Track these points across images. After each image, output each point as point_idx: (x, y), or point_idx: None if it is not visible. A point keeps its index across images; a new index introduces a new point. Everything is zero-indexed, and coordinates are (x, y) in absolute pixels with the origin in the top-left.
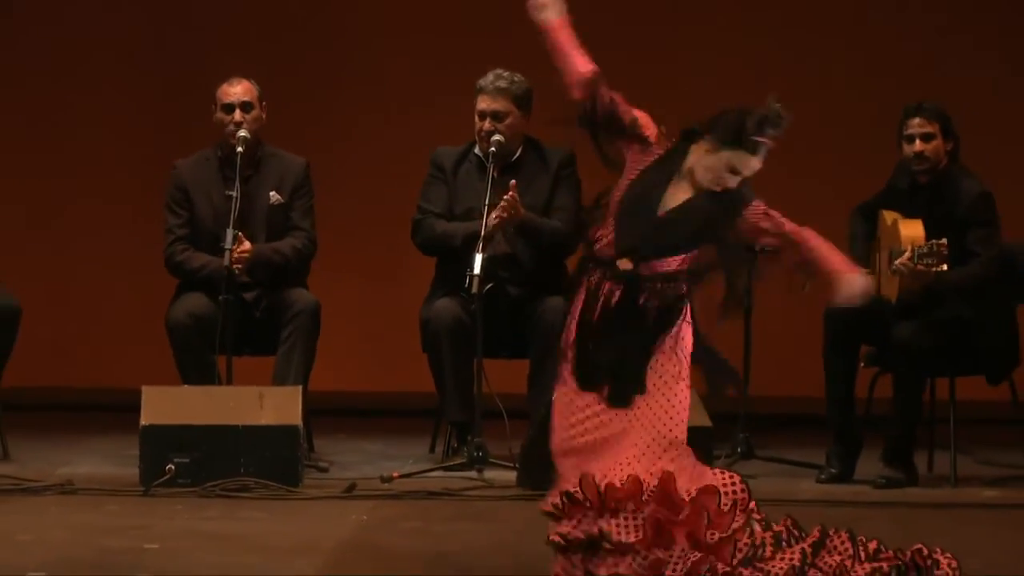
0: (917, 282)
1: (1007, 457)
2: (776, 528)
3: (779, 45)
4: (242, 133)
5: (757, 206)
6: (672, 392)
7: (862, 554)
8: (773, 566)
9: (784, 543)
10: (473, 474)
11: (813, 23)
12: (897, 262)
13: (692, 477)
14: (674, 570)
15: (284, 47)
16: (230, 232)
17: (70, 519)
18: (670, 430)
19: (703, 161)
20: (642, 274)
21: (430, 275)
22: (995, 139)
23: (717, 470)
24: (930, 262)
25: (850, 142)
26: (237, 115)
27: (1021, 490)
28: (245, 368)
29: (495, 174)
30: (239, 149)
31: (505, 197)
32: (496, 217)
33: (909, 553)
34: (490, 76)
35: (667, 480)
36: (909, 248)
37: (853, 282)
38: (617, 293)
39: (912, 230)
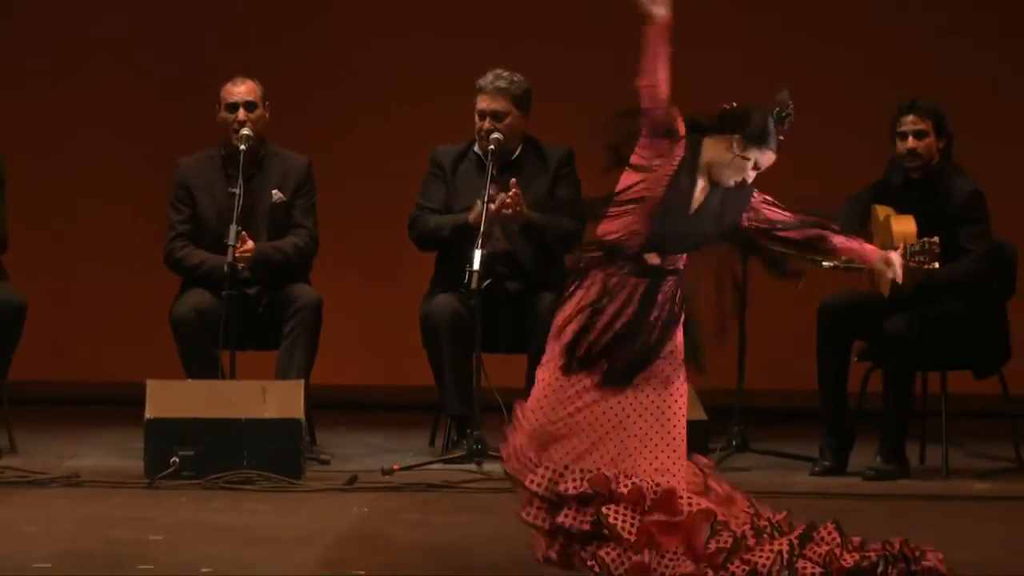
0: (908, 279)
1: (998, 450)
2: (760, 522)
3: (779, 45)
4: (245, 132)
5: (758, 195)
6: (671, 388)
7: (849, 545)
8: (760, 557)
9: (767, 535)
10: (472, 467)
11: (813, 23)
12: None
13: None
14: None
15: (284, 47)
16: (233, 228)
17: (76, 511)
18: (674, 426)
19: (725, 159)
20: (666, 268)
21: (430, 272)
22: (995, 139)
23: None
24: (922, 259)
25: (850, 141)
26: (241, 114)
27: (1012, 483)
28: (248, 362)
29: (494, 172)
30: (242, 148)
31: (508, 194)
32: (498, 205)
33: (897, 544)
34: (490, 76)
35: (669, 494)
36: (901, 245)
37: (893, 260)
38: (642, 287)
39: (904, 226)
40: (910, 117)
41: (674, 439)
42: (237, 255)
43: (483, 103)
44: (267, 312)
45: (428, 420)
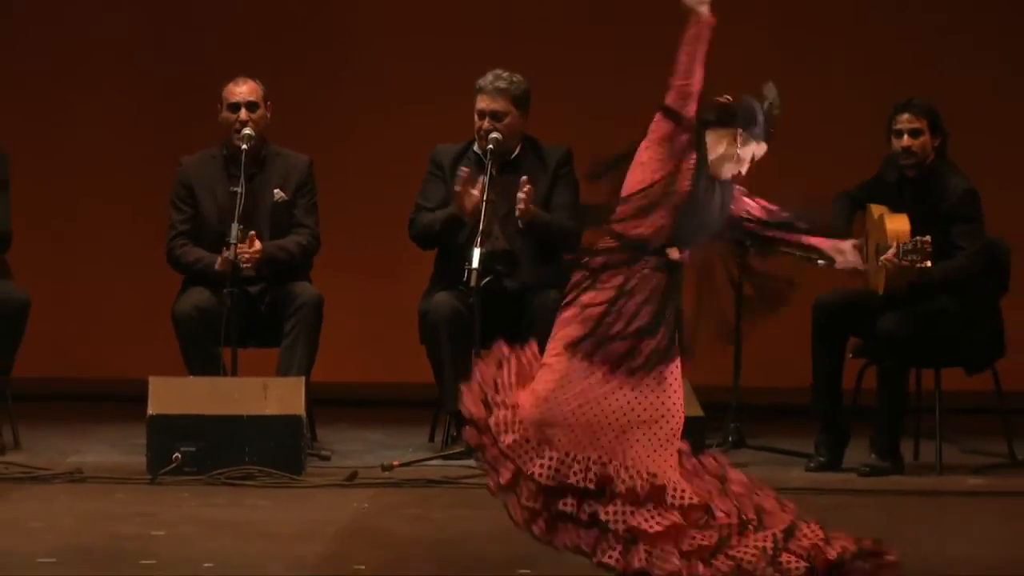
0: (902, 277)
1: (991, 446)
2: (746, 516)
3: (779, 45)
4: (247, 132)
5: (739, 189)
6: (670, 380)
7: (831, 539)
8: (744, 552)
9: (752, 527)
10: (471, 463)
11: (813, 23)
12: (882, 258)
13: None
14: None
15: (285, 47)
16: (235, 226)
17: (79, 507)
18: (673, 416)
19: (729, 152)
20: (684, 262)
21: (429, 270)
22: (995, 139)
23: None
24: (914, 258)
25: (850, 140)
26: (243, 114)
27: (1005, 478)
28: (249, 360)
29: (493, 171)
30: (244, 147)
31: (524, 191)
32: (522, 202)
33: (868, 542)
34: (489, 76)
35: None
36: (894, 244)
37: (844, 248)
38: (665, 281)
39: (898, 224)
40: (905, 115)
41: (672, 430)
42: (246, 256)
43: (483, 103)
44: (268, 310)
45: (427, 416)
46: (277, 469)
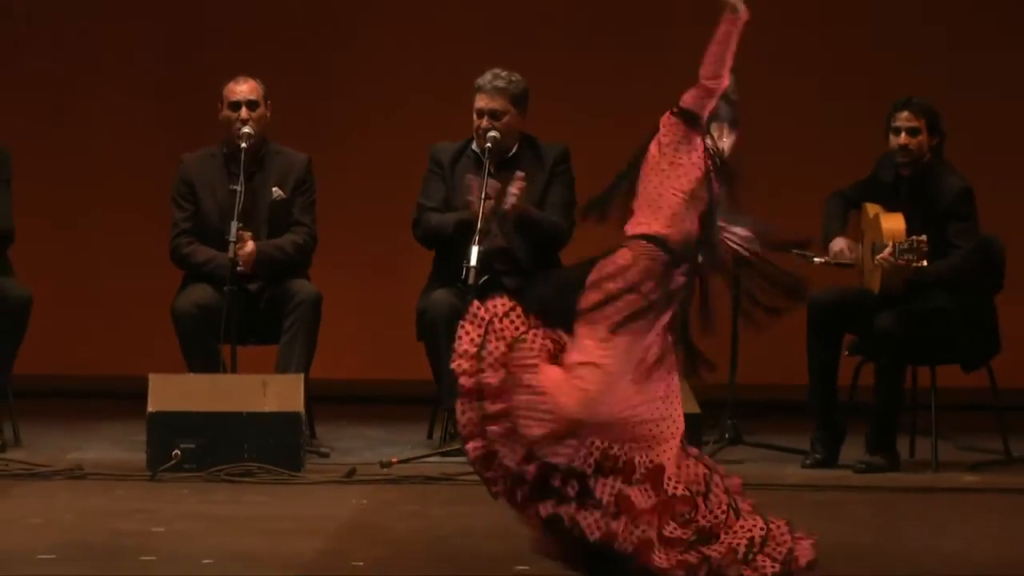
0: (898, 276)
1: (987, 443)
2: (729, 520)
3: (779, 45)
4: (247, 130)
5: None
6: (674, 373)
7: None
8: (714, 552)
9: (732, 531)
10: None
11: (813, 23)
12: (878, 257)
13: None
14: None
15: (286, 47)
16: (234, 225)
17: (79, 503)
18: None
19: (720, 147)
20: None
21: (428, 268)
22: (993, 139)
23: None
24: (910, 258)
25: (844, 141)
26: (243, 113)
27: (1000, 475)
28: (249, 357)
29: (491, 169)
30: (243, 146)
31: (516, 187)
32: (512, 196)
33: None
34: (488, 76)
35: (659, 470)
36: (890, 244)
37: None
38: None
39: (893, 223)
40: (904, 113)
41: (674, 421)
42: (238, 255)
43: (481, 102)
44: (267, 307)
45: (426, 414)
46: (276, 466)
